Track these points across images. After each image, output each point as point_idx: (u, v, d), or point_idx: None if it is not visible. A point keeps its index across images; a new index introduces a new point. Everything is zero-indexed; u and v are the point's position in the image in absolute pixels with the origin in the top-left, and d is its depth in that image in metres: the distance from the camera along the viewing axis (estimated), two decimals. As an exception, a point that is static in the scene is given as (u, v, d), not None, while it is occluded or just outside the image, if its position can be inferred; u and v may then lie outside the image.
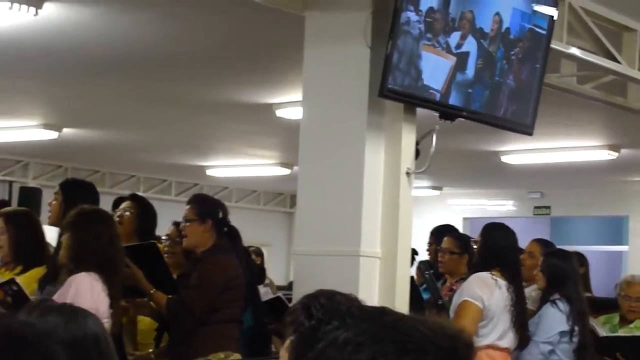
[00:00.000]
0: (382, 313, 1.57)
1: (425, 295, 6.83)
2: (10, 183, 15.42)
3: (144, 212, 6.31)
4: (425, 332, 1.50)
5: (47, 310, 2.40)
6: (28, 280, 5.42)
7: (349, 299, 3.13)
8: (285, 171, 14.77)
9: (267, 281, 9.23)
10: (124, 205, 6.32)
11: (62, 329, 2.31)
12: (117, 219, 6.15)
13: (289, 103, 9.84)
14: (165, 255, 6.08)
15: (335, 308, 2.96)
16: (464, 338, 1.54)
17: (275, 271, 15.63)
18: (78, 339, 2.33)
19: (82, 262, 4.96)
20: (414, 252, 6.44)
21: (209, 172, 15.76)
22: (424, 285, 6.93)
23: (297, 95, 9.10)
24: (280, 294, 7.13)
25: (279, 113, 10.18)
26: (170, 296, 5.65)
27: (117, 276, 5.06)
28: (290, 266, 17.94)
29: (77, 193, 5.85)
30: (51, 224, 5.97)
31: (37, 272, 5.65)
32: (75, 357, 2.22)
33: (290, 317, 3.16)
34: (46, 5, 6.74)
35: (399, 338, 1.49)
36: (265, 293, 6.85)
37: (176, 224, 6.11)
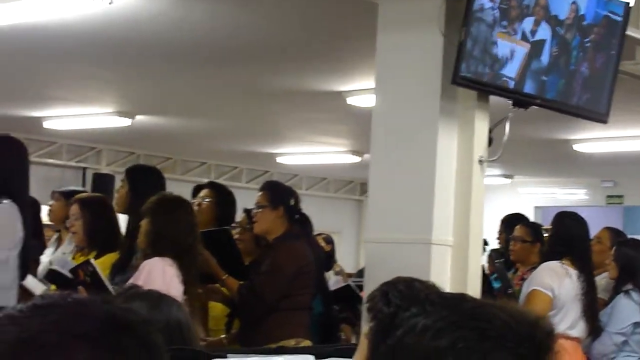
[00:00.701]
0: (462, 300, 1.57)
1: (496, 285, 6.80)
2: (84, 169, 15.62)
3: (223, 199, 6.35)
4: (505, 318, 1.50)
5: (132, 296, 2.43)
6: (102, 266, 5.48)
7: (427, 286, 3.14)
8: (356, 159, 14.76)
9: (337, 269, 9.25)
10: (202, 193, 6.36)
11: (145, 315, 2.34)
12: (196, 207, 6.20)
13: (359, 91, 9.83)
14: (237, 242, 6.12)
15: (413, 295, 2.97)
16: (544, 325, 1.54)
17: (345, 258, 15.64)
18: (161, 325, 2.36)
19: (160, 248, 5.00)
20: (485, 242, 6.42)
21: (279, 159, 15.81)
22: (495, 275, 6.90)
23: (367, 82, 9.13)
24: (350, 282, 7.14)
25: (350, 101, 10.17)
26: (241, 282, 5.69)
27: (194, 263, 5.10)
28: (359, 253, 17.96)
29: (142, 179, 5.87)
30: (118, 210, 6.03)
31: (111, 257, 5.73)
32: None
33: (369, 304, 3.18)
34: (121, -7, 6.81)
35: (478, 325, 1.49)
36: (336, 281, 6.87)
37: (247, 211, 6.14)
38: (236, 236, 6.16)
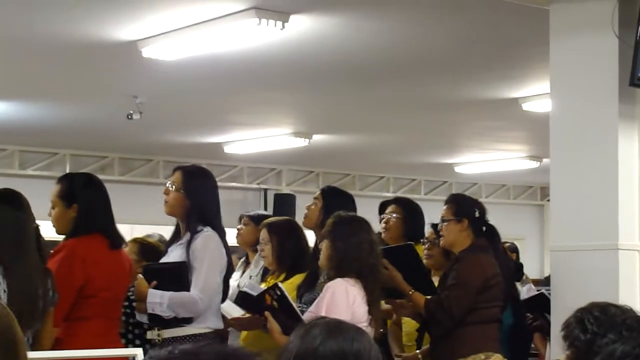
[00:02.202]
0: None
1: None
2: (265, 190, 15.91)
3: (410, 214, 6.39)
4: None
5: (312, 326, 2.49)
6: (290, 287, 5.60)
7: (623, 311, 3.08)
8: (534, 164, 14.60)
9: (524, 277, 9.13)
10: (390, 209, 6.40)
11: (322, 344, 2.39)
12: (384, 223, 6.27)
13: (534, 96, 9.75)
14: (425, 257, 6.14)
15: (610, 320, 2.93)
16: None
17: (529, 265, 15.44)
18: (337, 354, 2.40)
19: (343, 270, 5.05)
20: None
21: (457, 169, 15.76)
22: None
23: (542, 87, 9.05)
24: (543, 289, 7.03)
25: (525, 107, 10.09)
26: (428, 297, 5.70)
27: (377, 282, 5.12)
28: (544, 260, 17.68)
29: (336, 200, 5.99)
30: (307, 227, 6.14)
31: (299, 278, 5.84)
32: None
33: (564, 331, 3.15)
34: (292, 18, 6.94)
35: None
36: (528, 289, 6.77)
37: (434, 226, 6.15)
38: (425, 252, 6.18)
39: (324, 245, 5.17)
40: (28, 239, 4.69)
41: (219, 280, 5.50)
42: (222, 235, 5.55)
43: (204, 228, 5.47)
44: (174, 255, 5.57)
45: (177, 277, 5.40)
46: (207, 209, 5.55)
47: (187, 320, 5.40)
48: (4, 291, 4.50)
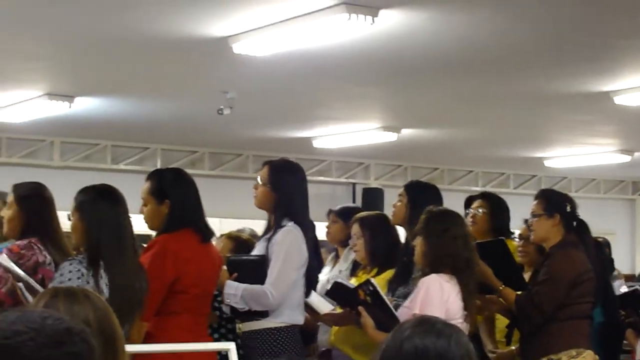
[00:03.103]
0: None
1: None
2: (354, 185, 15.95)
3: (497, 209, 6.37)
4: None
5: (404, 322, 2.48)
6: (382, 282, 5.62)
7: None
8: (626, 158, 14.37)
9: (615, 272, 9.03)
10: (476, 204, 6.38)
11: (407, 340, 2.38)
12: (470, 218, 6.24)
13: (627, 90, 9.63)
14: (519, 254, 6.10)
15: None
16: None
17: (620, 261, 15.24)
18: (420, 350, 2.38)
19: (437, 265, 5.05)
20: None
21: (547, 163, 15.60)
22: None
23: (634, 81, 8.94)
24: (637, 286, 6.95)
25: (617, 100, 9.96)
26: (518, 293, 5.67)
27: (472, 276, 5.12)
28: (635, 255, 17.45)
29: (421, 195, 5.98)
30: (395, 223, 6.15)
31: (390, 274, 5.85)
32: None
33: None
34: (382, 12, 6.95)
35: None
36: (619, 285, 6.71)
37: (527, 222, 6.10)
38: (519, 248, 6.15)
39: (418, 242, 5.16)
40: (126, 233, 4.78)
41: (296, 275, 5.53)
42: (306, 230, 5.58)
43: (288, 223, 5.51)
44: (258, 249, 5.65)
45: (255, 271, 5.47)
46: (293, 202, 5.59)
47: (263, 314, 5.46)
48: (106, 285, 4.59)
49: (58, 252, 5.18)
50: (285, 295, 5.45)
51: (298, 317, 5.60)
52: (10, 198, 5.38)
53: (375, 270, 5.94)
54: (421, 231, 5.16)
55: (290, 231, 5.49)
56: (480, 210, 6.30)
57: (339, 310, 5.74)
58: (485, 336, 6.09)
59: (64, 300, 2.62)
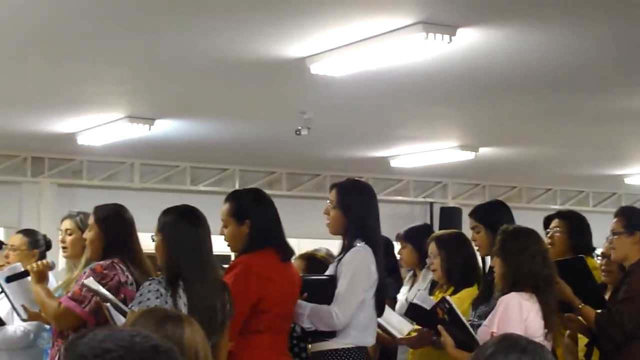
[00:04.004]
0: None
1: None
2: (431, 204, 15.91)
3: (575, 227, 6.28)
4: None
5: (489, 340, 2.49)
6: (459, 301, 5.59)
7: None
8: None
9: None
10: (553, 224, 6.30)
11: (490, 356, 2.38)
12: (549, 239, 6.18)
13: None
14: (603, 273, 6.03)
15: None
16: None
17: None
18: None
19: (516, 284, 5.00)
20: None
21: (627, 180, 15.42)
22: None
23: None
24: None
25: (699, 116, 9.86)
26: (598, 311, 5.62)
27: (552, 294, 5.07)
28: None
29: (494, 214, 5.96)
30: (484, 255, 6.08)
31: (468, 292, 5.84)
32: None
33: None
34: (459, 31, 6.94)
35: None
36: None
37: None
38: (602, 267, 6.08)
39: (496, 263, 5.11)
40: (207, 254, 4.83)
41: (363, 296, 5.45)
42: (377, 249, 5.52)
43: (359, 243, 5.47)
44: (330, 269, 5.63)
45: (325, 291, 5.43)
46: (363, 222, 5.53)
47: (330, 335, 5.43)
48: (184, 304, 4.65)
49: (139, 272, 5.27)
50: (351, 316, 5.39)
51: (366, 339, 5.54)
52: (91, 220, 5.48)
53: (451, 289, 5.93)
54: (498, 252, 5.11)
55: (358, 251, 5.44)
56: (557, 229, 6.24)
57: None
58: (569, 354, 6.00)
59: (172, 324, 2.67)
